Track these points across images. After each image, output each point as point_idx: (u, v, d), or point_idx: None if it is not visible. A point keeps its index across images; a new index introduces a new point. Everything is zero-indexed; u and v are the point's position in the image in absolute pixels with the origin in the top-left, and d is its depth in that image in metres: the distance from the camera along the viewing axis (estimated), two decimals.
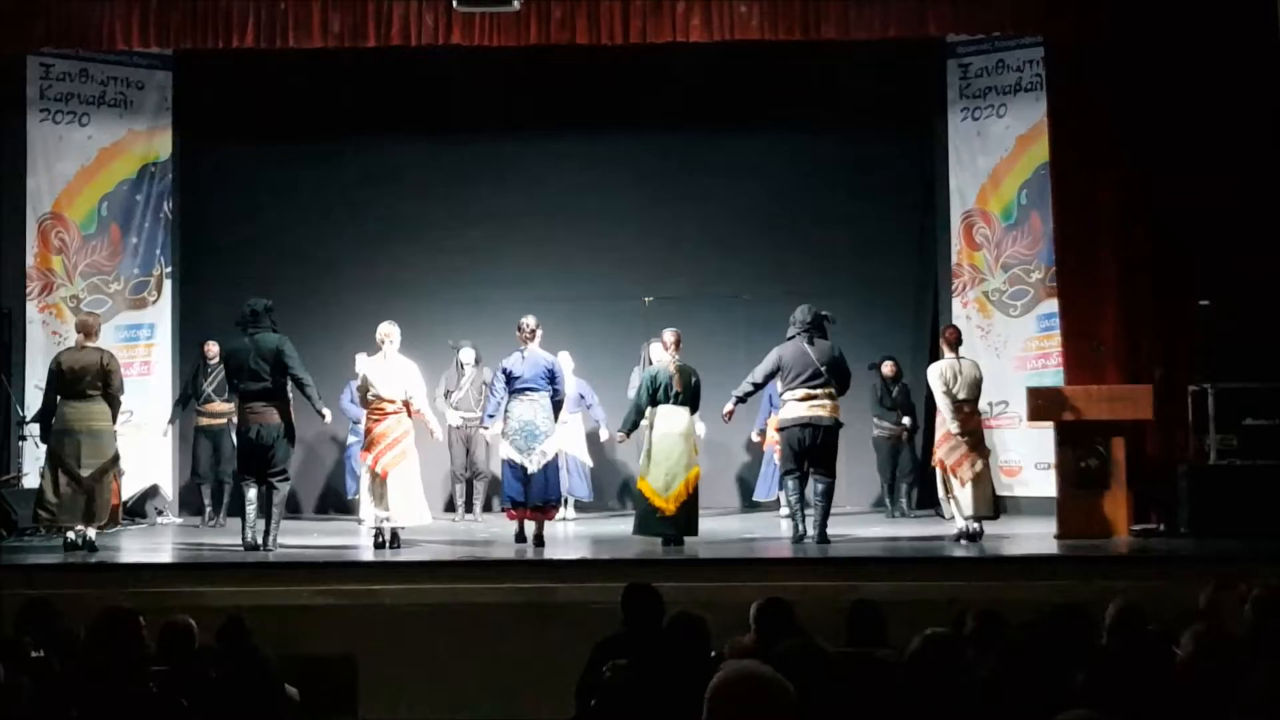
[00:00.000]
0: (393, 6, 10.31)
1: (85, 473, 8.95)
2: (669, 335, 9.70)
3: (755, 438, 11.89)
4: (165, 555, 9.72)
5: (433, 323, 12.16)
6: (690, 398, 9.51)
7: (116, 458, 9.26)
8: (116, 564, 8.83)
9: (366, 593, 8.12)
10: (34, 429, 10.87)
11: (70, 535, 8.99)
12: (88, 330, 9.26)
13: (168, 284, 12.31)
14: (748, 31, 10.40)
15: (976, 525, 9.44)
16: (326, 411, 9.58)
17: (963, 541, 9.35)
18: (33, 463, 11.17)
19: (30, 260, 11.76)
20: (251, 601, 7.47)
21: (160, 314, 12.28)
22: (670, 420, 9.49)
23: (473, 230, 12.74)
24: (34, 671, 4.32)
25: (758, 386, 9.72)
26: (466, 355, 11.82)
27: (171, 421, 11.65)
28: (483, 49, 10.55)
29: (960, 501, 9.48)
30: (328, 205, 12.83)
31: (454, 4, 9.85)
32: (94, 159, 12.01)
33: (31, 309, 11.72)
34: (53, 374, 9.17)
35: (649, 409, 9.54)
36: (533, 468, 9.31)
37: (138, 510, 11.51)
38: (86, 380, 9.00)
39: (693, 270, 12.72)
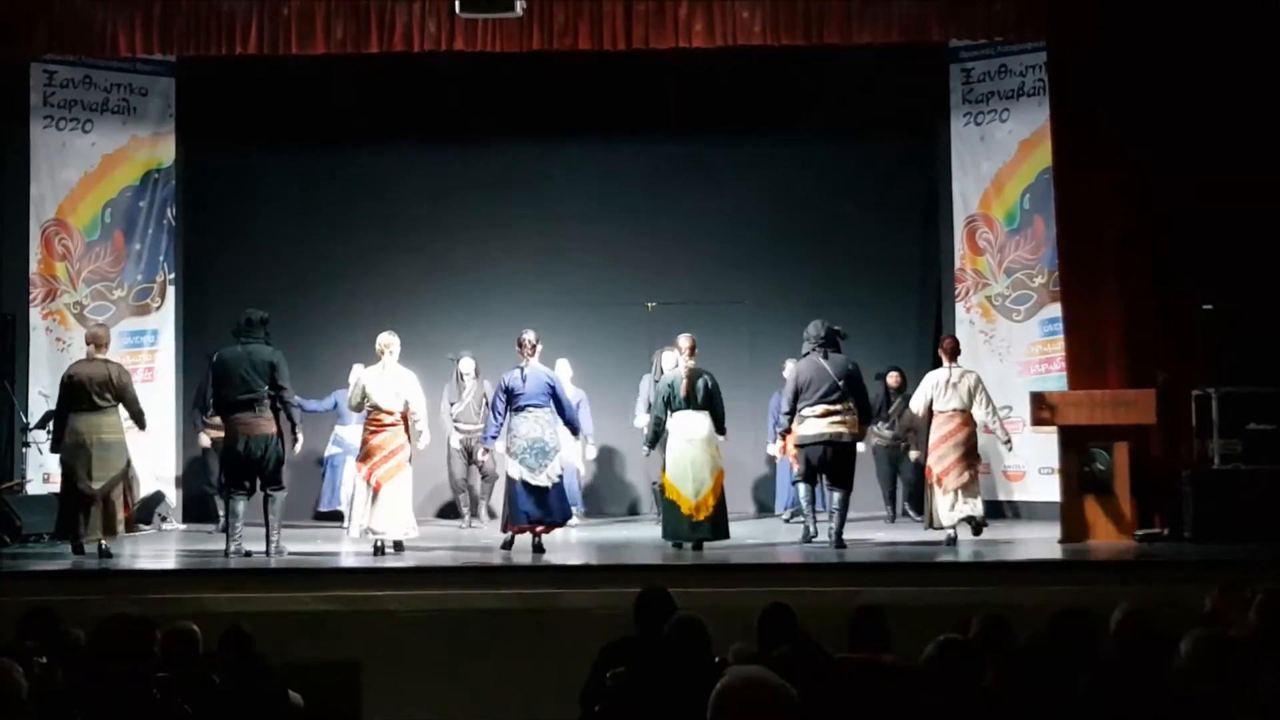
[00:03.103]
0: (395, 13, 10.32)
1: (96, 485, 8.93)
2: (683, 341, 9.68)
3: (772, 450, 11.70)
4: (169, 562, 9.72)
5: (435, 329, 12.17)
6: (704, 402, 9.48)
7: (128, 468, 9.24)
8: (120, 570, 8.82)
9: (370, 599, 8.11)
10: (38, 435, 10.92)
11: (87, 546, 8.97)
12: (98, 342, 9.24)
13: (171, 290, 12.32)
14: (750, 37, 10.40)
15: (953, 532, 9.47)
16: (300, 438, 9.57)
17: (958, 546, 9.38)
18: (36, 469, 11.21)
19: (34, 266, 11.79)
20: (255, 608, 7.48)
21: (164, 320, 12.29)
22: (686, 426, 9.50)
23: (476, 236, 12.75)
24: (38, 677, 4.32)
25: (792, 412, 9.67)
26: (466, 366, 11.69)
27: (203, 430, 11.58)
28: (486, 55, 10.55)
29: (940, 510, 9.51)
30: (331, 211, 12.84)
31: (456, 10, 9.85)
32: (97, 165, 12.05)
33: (35, 315, 11.75)
34: (63, 386, 9.17)
35: (668, 416, 9.56)
36: (546, 483, 9.30)
37: (142, 517, 11.50)
38: (97, 392, 8.99)
39: (695, 276, 12.72)
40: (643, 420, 11.16)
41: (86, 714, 4.09)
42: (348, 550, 9.80)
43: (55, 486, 11.01)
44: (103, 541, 9.03)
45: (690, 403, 9.48)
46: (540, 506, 9.32)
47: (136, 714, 4.14)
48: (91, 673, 4.35)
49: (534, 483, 9.28)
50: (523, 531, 9.37)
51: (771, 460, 12.15)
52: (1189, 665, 3.94)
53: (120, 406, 9.11)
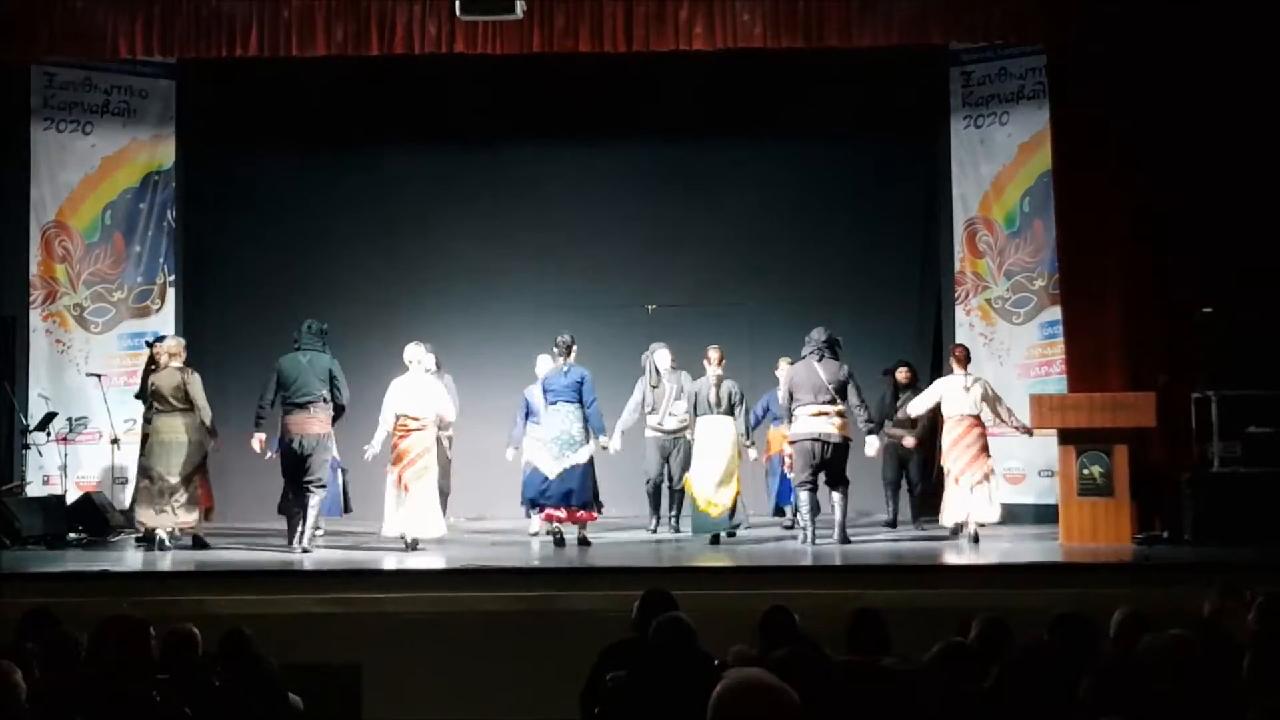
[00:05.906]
0: (395, 15, 10.32)
1: (178, 475, 9.78)
2: (713, 352, 10.33)
3: (753, 454, 11.60)
4: (167, 563, 9.71)
5: (435, 332, 12.12)
6: (729, 408, 10.14)
7: (203, 462, 9.96)
8: (119, 572, 8.82)
9: (371, 601, 8.11)
10: (38, 438, 10.95)
11: (160, 535, 9.75)
12: (170, 353, 10.07)
13: (171, 292, 12.31)
14: (750, 40, 10.41)
15: (974, 529, 9.66)
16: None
17: (963, 543, 9.45)
18: (36, 471, 11.20)
19: (34, 268, 11.80)
20: (255, 610, 7.47)
21: (164, 322, 12.25)
22: (711, 430, 10.14)
23: (475, 239, 12.75)
24: (37, 679, 4.32)
25: (788, 411, 10.03)
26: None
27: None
28: (486, 57, 10.56)
29: (956, 506, 9.75)
30: (331, 213, 12.84)
31: (457, 12, 9.85)
32: (98, 168, 12.05)
33: (35, 317, 11.75)
34: (148, 392, 10.10)
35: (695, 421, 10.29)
36: (553, 473, 9.75)
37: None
38: (173, 395, 9.85)
39: (695, 278, 12.73)
40: (628, 420, 11.00)
41: (86, 716, 4.08)
42: (351, 552, 9.81)
43: (54, 489, 11.04)
44: (168, 531, 9.76)
45: (717, 408, 10.12)
46: (547, 492, 9.79)
47: (136, 716, 4.13)
48: (91, 675, 4.35)
49: (552, 469, 9.74)
50: (553, 519, 9.83)
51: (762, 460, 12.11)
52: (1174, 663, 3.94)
53: (196, 410, 9.90)
